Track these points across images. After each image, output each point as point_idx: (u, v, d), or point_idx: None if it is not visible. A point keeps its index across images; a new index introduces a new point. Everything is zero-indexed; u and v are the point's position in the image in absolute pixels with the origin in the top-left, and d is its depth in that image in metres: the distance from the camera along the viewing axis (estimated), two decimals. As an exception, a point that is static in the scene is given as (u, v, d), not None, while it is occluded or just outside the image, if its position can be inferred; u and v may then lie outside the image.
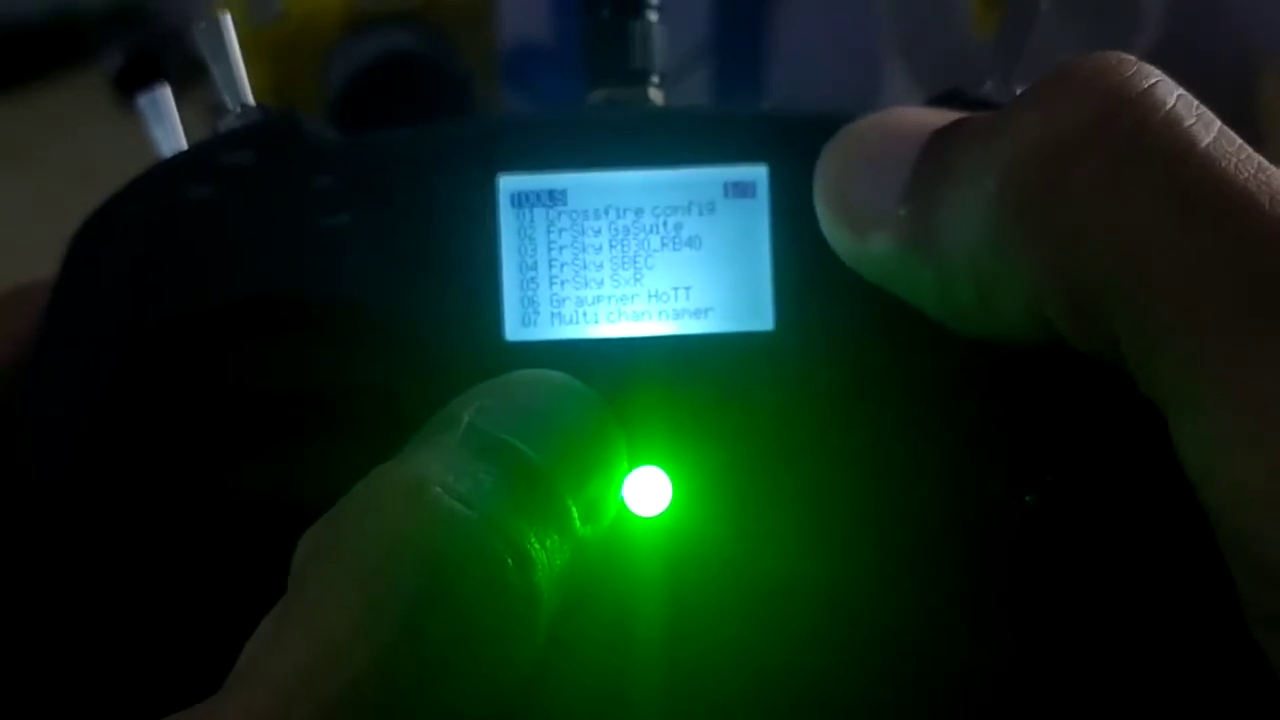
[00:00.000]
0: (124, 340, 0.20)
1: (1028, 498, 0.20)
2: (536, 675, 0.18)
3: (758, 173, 0.21)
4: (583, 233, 0.21)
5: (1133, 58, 0.18)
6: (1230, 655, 0.18)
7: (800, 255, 0.20)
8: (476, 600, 0.17)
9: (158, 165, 0.22)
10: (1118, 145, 0.17)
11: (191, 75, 0.24)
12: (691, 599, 0.20)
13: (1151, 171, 0.17)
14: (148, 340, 0.20)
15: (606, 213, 0.21)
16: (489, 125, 0.22)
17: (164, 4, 0.70)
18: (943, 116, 0.19)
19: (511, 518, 0.17)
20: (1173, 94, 0.17)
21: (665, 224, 0.21)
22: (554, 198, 0.21)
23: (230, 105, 0.22)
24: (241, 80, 0.22)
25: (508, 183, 0.21)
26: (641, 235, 0.21)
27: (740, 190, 0.21)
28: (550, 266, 0.21)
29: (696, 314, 0.21)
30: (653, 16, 0.23)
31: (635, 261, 0.21)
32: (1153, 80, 0.17)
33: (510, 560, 0.17)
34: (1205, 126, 0.17)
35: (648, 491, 0.20)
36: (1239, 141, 0.17)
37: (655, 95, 0.23)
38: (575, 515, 0.18)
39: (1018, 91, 0.21)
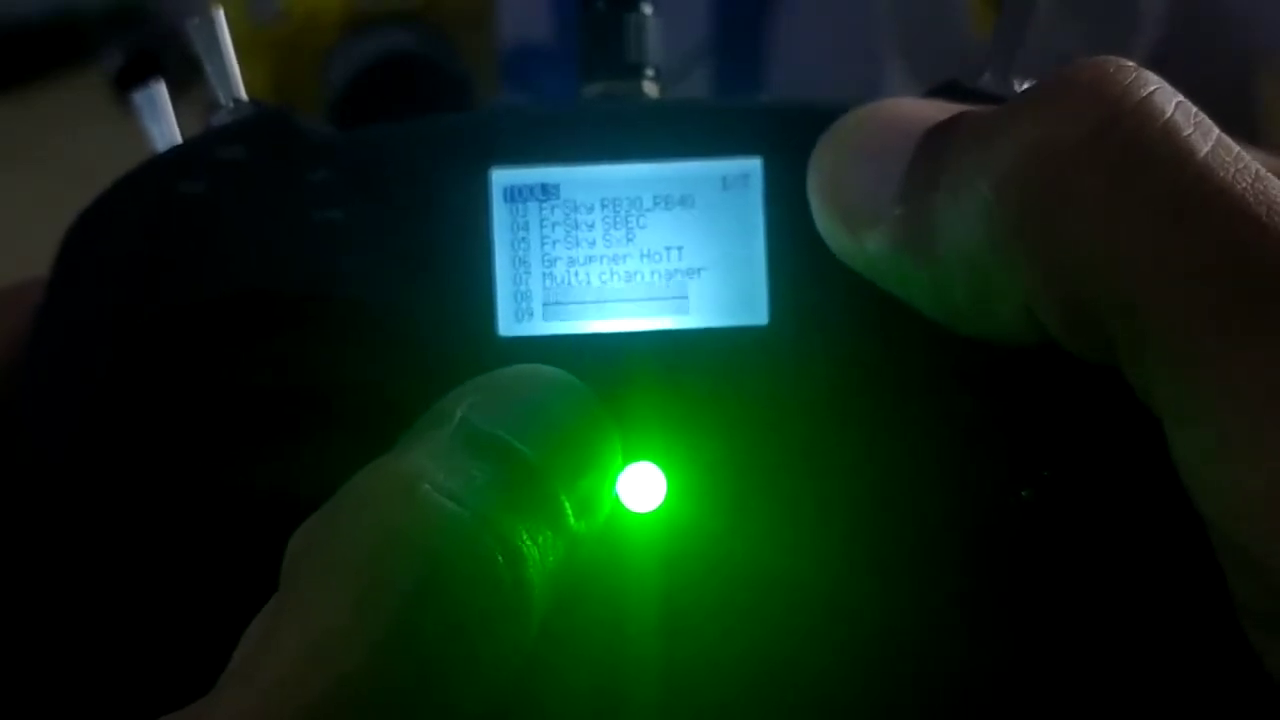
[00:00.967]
0: (116, 337, 0.20)
1: (1025, 493, 0.20)
2: (531, 672, 0.17)
3: (752, 165, 0.20)
4: (576, 227, 0.20)
5: (1132, 64, 0.18)
6: (1227, 652, 0.18)
7: (795, 249, 0.20)
8: (468, 597, 0.16)
9: (150, 160, 0.22)
10: (1115, 154, 0.17)
11: (191, 75, 0.24)
12: (686, 595, 0.20)
13: (1149, 180, 0.16)
14: (140, 336, 0.20)
15: (600, 206, 0.20)
16: (482, 119, 0.21)
17: (163, 4, 0.70)
18: (939, 109, 0.19)
19: (504, 514, 0.17)
20: (1171, 102, 0.17)
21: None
22: (547, 191, 0.21)
23: (223, 100, 0.22)
24: (235, 75, 0.22)
25: (500, 176, 0.20)
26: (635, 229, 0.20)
27: (734, 183, 0.20)
28: (543, 261, 0.20)
29: (690, 308, 0.20)
30: (647, 9, 0.23)
31: (628, 255, 0.20)
32: (1151, 88, 0.17)
33: (501, 557, 0.17)
34: (1203, 135, 0.17)
35: (642, 487, 0.20)
36: (1237, 150, 0.17)
37: (650, 89, 0.23)
38: (569, 511, 0.18)
39: (1015, 84, 0.21)
